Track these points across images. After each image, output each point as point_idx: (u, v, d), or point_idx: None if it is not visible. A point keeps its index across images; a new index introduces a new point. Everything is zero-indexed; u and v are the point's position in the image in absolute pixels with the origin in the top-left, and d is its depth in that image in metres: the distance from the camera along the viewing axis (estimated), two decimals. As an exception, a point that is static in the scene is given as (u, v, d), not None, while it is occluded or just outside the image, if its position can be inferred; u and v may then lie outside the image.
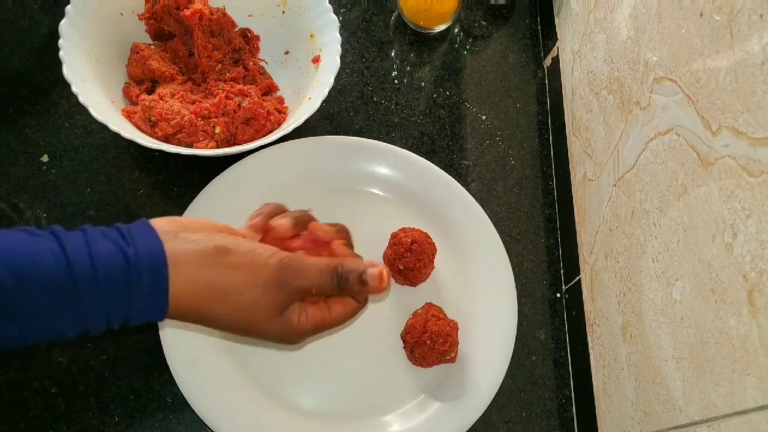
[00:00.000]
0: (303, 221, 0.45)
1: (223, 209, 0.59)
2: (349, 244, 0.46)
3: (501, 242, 0.61)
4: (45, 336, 0.34)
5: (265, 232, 0.44)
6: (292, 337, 0.40)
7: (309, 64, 0.63)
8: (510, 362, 0.57)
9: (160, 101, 0.57)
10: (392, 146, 0.64)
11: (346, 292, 0.41)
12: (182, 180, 0.61)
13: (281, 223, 0.44)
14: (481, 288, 0.60)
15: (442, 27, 0.74)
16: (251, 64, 0.65)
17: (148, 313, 0.36)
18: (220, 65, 0.63)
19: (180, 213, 0.57)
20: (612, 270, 0.54)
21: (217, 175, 0.59)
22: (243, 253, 0.38)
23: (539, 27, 0.77)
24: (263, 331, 0.39)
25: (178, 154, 0.54)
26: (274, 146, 0.59)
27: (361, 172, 0.63)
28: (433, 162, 0.64)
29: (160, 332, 0.53)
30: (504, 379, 0.56)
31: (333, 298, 0.42)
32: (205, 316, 0.38)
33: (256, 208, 0.63)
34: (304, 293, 0.40)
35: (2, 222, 0.57)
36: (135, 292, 0.34)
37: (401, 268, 0.57)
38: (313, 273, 0.39)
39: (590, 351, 0.57)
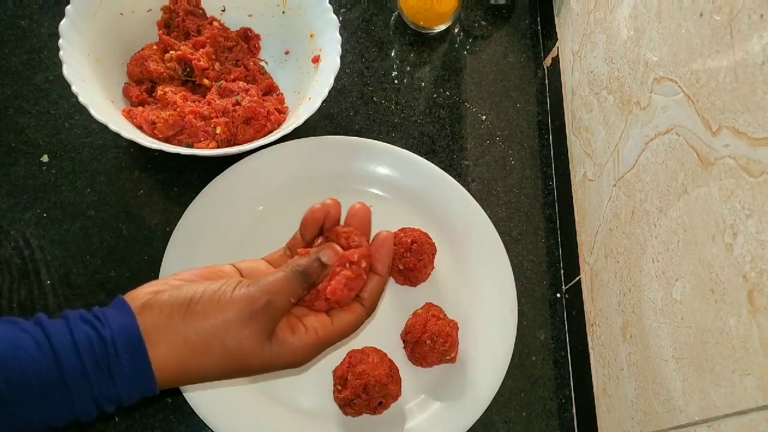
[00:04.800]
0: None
1: (223, 209, 0.59)
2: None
3: (501, 242, 0.61)
4: (32, 429, 0.34)
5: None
6: (293, 357, 0.38)
7: (309, 64, 0.63)
8: (510, 362, 0.57)
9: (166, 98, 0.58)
10: (392, 146, 0.64)
11: (315, 283, 0.39)
12: (182, 180, 0.61)
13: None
14: (481, 288, 0.60)
15: (442, 27, 0.74)
16: (251, 64, 0.65)
17: (137, 391, 0.35)
18: (218, 64, 0.63)
19: (180, 213, 0.57)
20: (612, 270, 0.54)
21: (217, 175, 0.59)
22: (208, 297, 0.36)
23: (539, 27, 0.77)
24: (261, 363, 0.38)
25: (178, 154, 0.54)
26: (274, 146, 0.59)
27: (361, 172, 0.63)
28: (433, 162, 0.64)
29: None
30: (504, 379, 0.56)
31: (336, 309, 0.41)
32: (197, 374, 0.37)
33: (256, 208, 0.62)
34: (282, 308, 0.38)
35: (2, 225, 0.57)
36: (116, 372, 0.34)
37: (401, 268, 0.57)
38: (278, 286, 0.37)
39: (590, 351, 0.57)
